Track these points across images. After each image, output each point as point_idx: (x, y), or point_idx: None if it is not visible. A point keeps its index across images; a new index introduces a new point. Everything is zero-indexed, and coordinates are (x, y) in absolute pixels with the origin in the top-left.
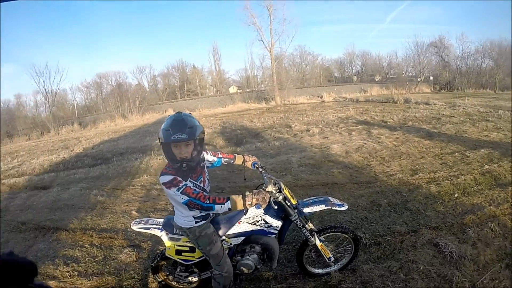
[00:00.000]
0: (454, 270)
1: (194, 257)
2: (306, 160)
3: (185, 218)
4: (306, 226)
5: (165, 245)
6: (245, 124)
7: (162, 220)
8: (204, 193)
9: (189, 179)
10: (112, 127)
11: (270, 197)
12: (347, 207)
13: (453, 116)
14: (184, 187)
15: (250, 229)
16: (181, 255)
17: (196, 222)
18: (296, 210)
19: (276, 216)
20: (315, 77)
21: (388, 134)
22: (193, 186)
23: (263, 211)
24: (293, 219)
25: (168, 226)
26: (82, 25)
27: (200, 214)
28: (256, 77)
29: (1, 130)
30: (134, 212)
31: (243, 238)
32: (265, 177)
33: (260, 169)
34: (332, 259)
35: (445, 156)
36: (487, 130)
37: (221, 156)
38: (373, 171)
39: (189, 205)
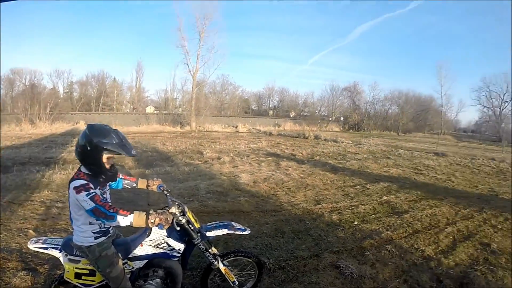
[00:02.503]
0: None
1: (94, 281)
2: (214, 187)
3: (84, 234)
4: (210, 250)
5: (63, 268)
6: (157, 147)
7: (61, 240)
8: (109, 203)
9: (98, 187)
10: (16, 131)
11: (173, 218)
12: (249, 231)
13: (358, 154)
14: (93, 193)
15: (153, 251)
16: (80, 278)
17: (95, 238)
18: (199, 234)
19: (179, 239)
20: (233, 107)
21: (296, 167)
22: (100, 195)
23: (166, 234)
24: (196, 243)
25: (68, 246)
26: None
27: (99, 229)
28: (175, 100)
29: None
30: (31, 231)
31: (145, 261)
32: (169, 200)
33: (166, 192)
34: (237, 283)
35: (348, 188)
36: (387, 166)
37: (122, 177)
38: (279, 201)
39: (94, 212)
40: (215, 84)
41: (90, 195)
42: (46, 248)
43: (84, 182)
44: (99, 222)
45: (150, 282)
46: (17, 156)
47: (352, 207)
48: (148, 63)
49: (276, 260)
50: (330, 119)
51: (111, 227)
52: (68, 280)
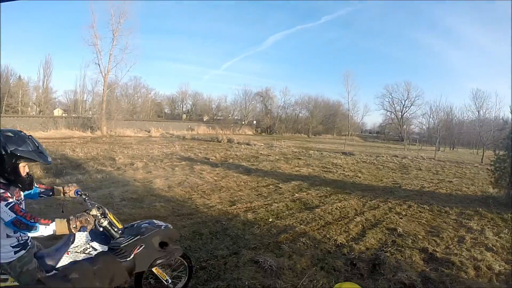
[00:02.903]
0: (276, 279)
1: None
2: (129, 194)
3: (2, 249)
4: None
5: None
6: (66, 153)
7: None
8: (29, 213)
9: (14, 197)
10: None
11: (95, 220)
12: (171, 227)
13: (270, 155)
14: (13, 203)
15: (80, 258)
16: None
17: (15, 253)
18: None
19: (104, 241)
20: (145, 111)
21: (210, 170)
22: (19, 205)
23: (90, 238)
24: (124, 243)
25: None
26: None
27: (17, 243)
28: (85, 102)
29: None
30: None
31: None
32: (89, 203)
33: (84, 196)
34: (170, 281)
35: (261, 188)
36: (298, 166)
37: (37, 185)
38: (195, 204)
39: (15, 223)
40: (127, 86)
41: (9, 205)
42: None
43: (1, 191)
44: (17, 234)
45: None
46: None
47: (266, 206)
48: (57, 61)
49: (197, 261)
50: (243, 122)
51: (29, 239)
52: None
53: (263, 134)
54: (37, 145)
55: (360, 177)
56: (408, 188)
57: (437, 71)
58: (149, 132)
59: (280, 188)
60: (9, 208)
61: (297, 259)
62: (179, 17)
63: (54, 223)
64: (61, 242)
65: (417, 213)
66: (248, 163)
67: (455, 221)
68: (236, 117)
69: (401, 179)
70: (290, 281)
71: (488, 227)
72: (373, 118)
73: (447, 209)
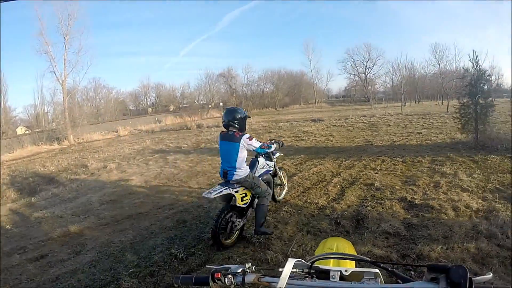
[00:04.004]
0: (266, 251)
1: (248, 199)
2: (107, 197)
3: (244, 169)
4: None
5: (234, 198)
6: (37, 170)
7: (219, 186)
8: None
9: None
10: None
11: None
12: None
13: None
14: (255, 138)
15: (262, 172)
16: (242, 200)
17: (250, 169)
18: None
19: (270, 159)
20: (110, 111)
21: (184, 158)
22: None
23: (264, 158)
24: (274, 160)
25: (229, 185)
26: None
27: (247, 164)
28: (47, 114)
29: None
30: None
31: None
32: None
33: None
34: (286, 184)
35: None
36: (270, 140)
37: None
38: (174, 193)
39: (262, 147)
40: (87, 90)
41: (257, 140)
42: (221, 191)
43: (249, 134)
44: (245, 159)
45: None
46: None
47: None
48: (10, 77)
49: (185, 248)
50: (209, 106)
51: None
52: (237, 205)
53: None
54: None
55: (332, 141)
56: (380, 144)
57: (395, 30)
58: (117, 132)
59: None
60: (257, 141)
61: (282, 228)
62: (130, 9)
63: (274, 144)
64: (251, 163)
65: (391, 166)
66: None
67: (428, 168)
68: (202, 102)
69: (372, 137)
70: (280, 250)
71: (461, 170)
72: (337, 83)
73: (419, 158)
